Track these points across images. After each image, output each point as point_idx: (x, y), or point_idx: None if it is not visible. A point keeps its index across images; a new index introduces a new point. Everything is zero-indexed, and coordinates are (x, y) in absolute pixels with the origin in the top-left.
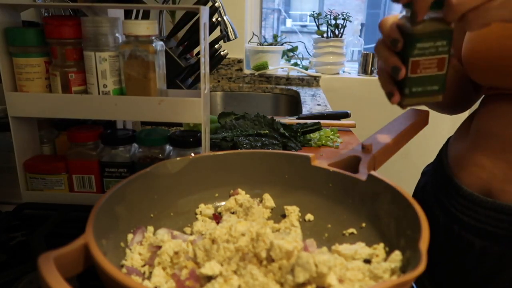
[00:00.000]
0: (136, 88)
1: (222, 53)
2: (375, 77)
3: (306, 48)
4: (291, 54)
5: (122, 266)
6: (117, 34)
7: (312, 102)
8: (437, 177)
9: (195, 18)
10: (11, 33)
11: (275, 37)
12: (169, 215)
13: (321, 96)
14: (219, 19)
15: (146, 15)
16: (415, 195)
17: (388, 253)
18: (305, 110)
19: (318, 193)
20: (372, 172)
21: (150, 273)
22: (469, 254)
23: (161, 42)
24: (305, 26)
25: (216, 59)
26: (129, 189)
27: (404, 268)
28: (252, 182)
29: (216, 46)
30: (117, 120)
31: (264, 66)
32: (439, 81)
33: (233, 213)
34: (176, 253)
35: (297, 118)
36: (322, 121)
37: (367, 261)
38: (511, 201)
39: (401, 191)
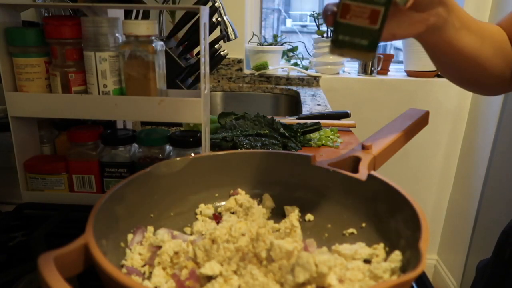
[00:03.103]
0: (136, 88)
1: (222, 53)
2: (375, 77)
3: (306, 48)
4: (291, 54)
5: (122, 266)
6: (117, 34)
7: (312, 102)
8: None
9: (195, 18)
10: (11, 33)
11: (275, 37)
12: (169, 215)
13: (321, 96)
14: (219, 19)
15: (146, 15)
16: None
17: (388, 253)
18: (305, 110)
19: (318, 193)
20: (372, 172)
21: (150, 273)
22: None
23: (161, 42)
24: (305, 26)
25: (216, 59)
26: (129, 189)
27: (404, 268)
28: (252, 182)
29: (216, 46)
30: (117, 120)
31: (264, 66)
32: (369, 36)
33: (233, 213)
34: (176, 253)
35: (297, 118)
36: (322, 121)
37: (367, 261)
38: None
39: (401, 191)
